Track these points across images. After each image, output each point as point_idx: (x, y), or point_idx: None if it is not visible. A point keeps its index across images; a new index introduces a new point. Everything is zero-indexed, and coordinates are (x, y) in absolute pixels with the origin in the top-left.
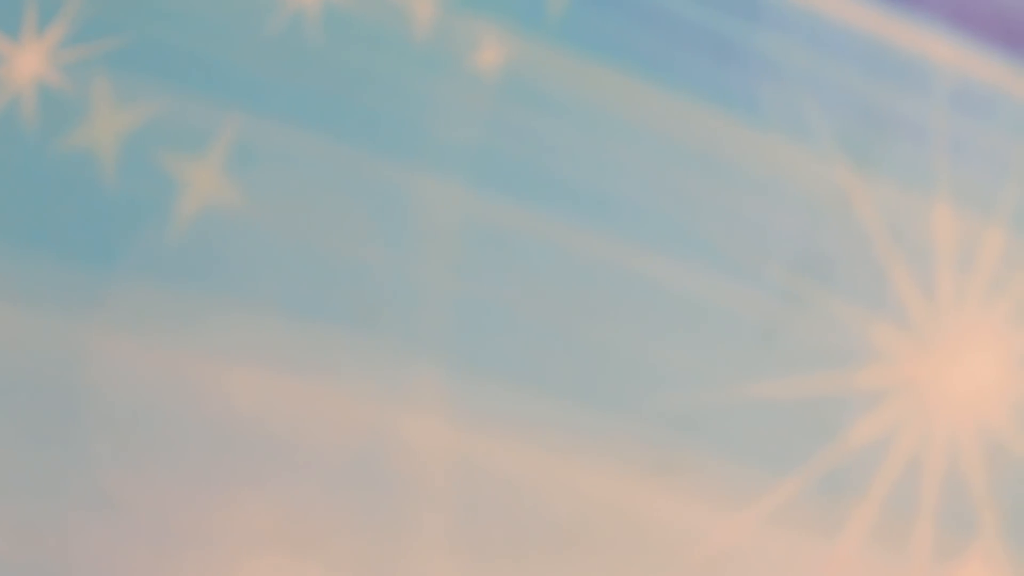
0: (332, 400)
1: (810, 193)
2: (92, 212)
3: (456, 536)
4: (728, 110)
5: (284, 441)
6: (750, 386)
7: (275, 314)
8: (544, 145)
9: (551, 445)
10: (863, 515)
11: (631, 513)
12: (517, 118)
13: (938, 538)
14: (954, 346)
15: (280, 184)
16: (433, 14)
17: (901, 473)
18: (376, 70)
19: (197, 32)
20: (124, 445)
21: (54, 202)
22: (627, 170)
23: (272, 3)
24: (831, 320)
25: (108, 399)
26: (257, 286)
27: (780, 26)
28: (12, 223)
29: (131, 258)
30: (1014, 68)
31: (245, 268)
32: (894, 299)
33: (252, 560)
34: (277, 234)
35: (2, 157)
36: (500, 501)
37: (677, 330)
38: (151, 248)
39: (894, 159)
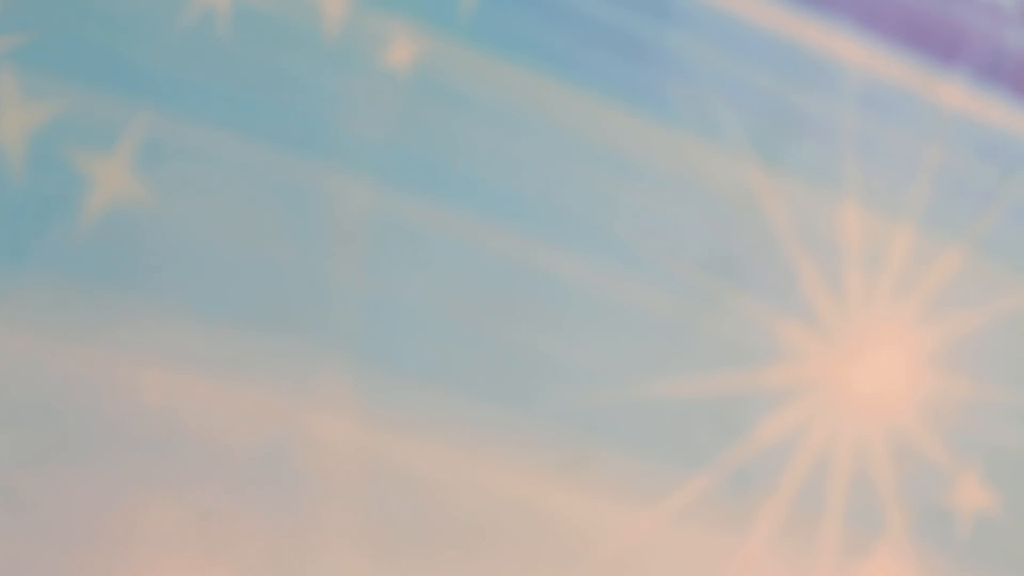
0: (241, 399)
1: (719, 192)
2: None
3: (365, 534)
4: (638, 109)
5: (193, 440)
6: (659, 384)
7: (184, 312)
8: (455, 142)
9: (459, 443)
10: (771, 512)
11: (540, 510)
12: (427, 115)
13: (845, 535)
14: (862, 344)
15: (189, 181)
16: (344, 11)
17: (809, 470)
18: (287, 67)
19: (106, 28)
20: (31, 444)
21: None
22: (537, 168)
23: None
24: (740, 318)
25: (14, 397)
26: (166, 284)
27: (690, 25)
28: None
29: (38, 255)
30: (921, 68)
31: (154, 266)
32: (802, 297)
33: (161, 560)
34: (186, 232)
35: None
36: (409, 499)
37: (586, 328)
38: (59, 245)
39: (803, 158)
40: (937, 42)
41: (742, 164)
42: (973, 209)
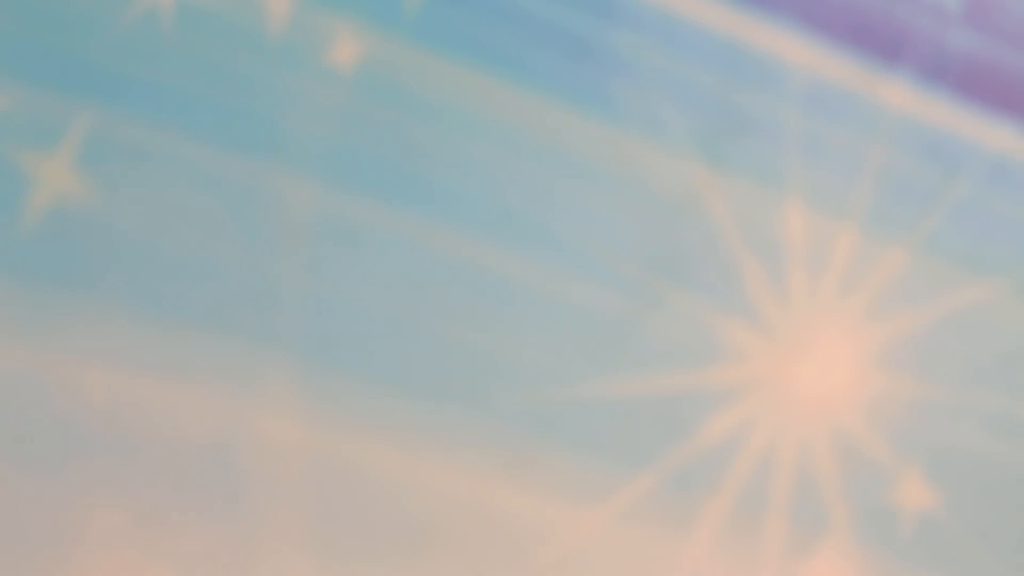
0: (186, 399)
1: (664, 191)
2: None
3: (311, 535)
4: (583, 108)
5: (137, 441)
6: (603, 383)
7: (129, 312)
8: (399, 142)
9: (405, 443)
10: (715, 511)
11: (485, 510)
12: (372, 114)
13: (789, 534)
14: (806, 344)
15: (133, 180)
16: (288, 9)
17: (753, 470)
18: (231, 65)
19: (49, 25)
20: None
21: None
22: (482, 167)
23: None
24: (684, 318)
25: None
26: (110, 283)
27: (635, 26)
28: None
29: None
30: (865, 69)
31: (98, 265)
32: (746, 297)
33: (105, 560)
34: (130, 231)
35: None
36: (354, 500)
37: (531, 328)
38: (1, 244)
39: (747, 158)
40: (881, 43)
41: (686, 164)
42: (917, 209)
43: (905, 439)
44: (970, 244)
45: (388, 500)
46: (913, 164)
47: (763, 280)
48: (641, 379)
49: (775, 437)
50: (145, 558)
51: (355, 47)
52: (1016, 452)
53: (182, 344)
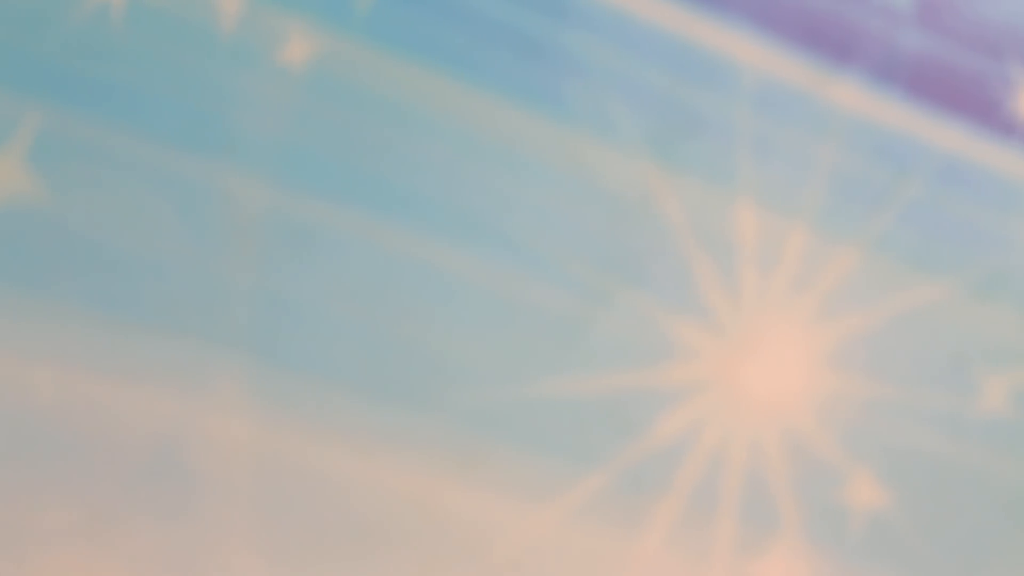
0: (134, 398)
1: (615, 190)
2: None
3: (260, 535)
4: (534, 107)
5: (85, 439)
6: (554, 382)
7: (79, 311)
8: (351, 141)
9: (356, 443)
10: (666, 511)
11: (435, 509)
12: (324, 113)
13: (740, 534)
14: (757, 344)
15: (83, 178)
16: (239, 8)
17: (704, 469)
18: (183, 64)
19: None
20: None
21: None
22: (433, 166)
23: None
24: (635, 317)
25: None
26: (59, 281)
27: (586, 25)
28: None
29: None
30: (816, 69)
31: (47, 263)
32: (697, 297)
33: (52, 559)
34: (80, 229)
35: None
36: (305, 499)
37: (482, 327)
38: None
39: (698, 157)
40: (832, 43)
41: (638, 163)
42: (868, 209)
43: (856, 438)
44: (921, 244)
45: (339, 500)
46: (864, 164)
47: (715, 279)
48: (592, 378)
49: (726, 436)
50: (96, 557)
51: (307, 46)
52: (966, 452)
53: (133, 343)
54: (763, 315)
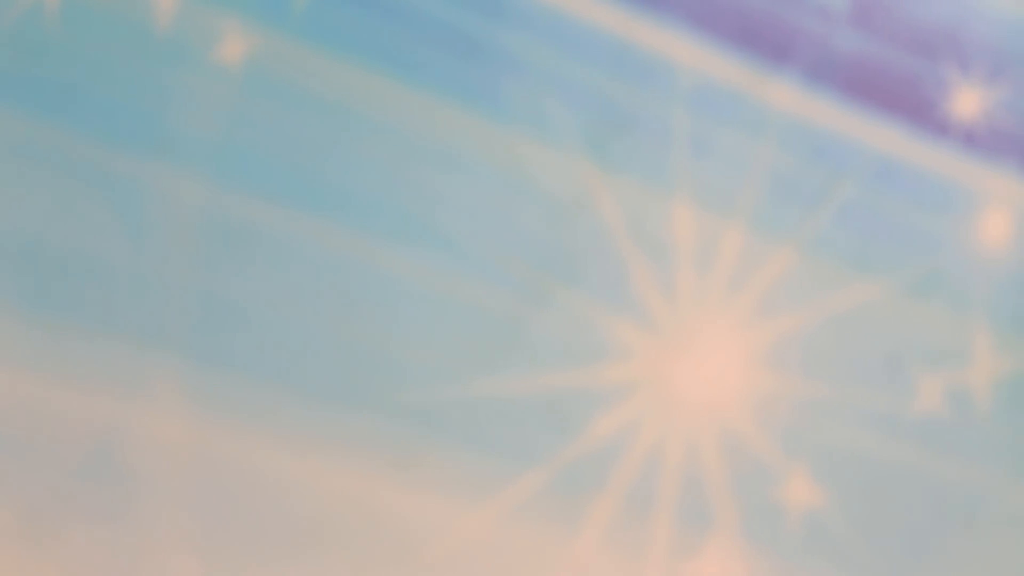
0: (69, 398)
1: (551, 190)
2: None
3: (196, 534)
4: (471, 106)
5: (18, 440)
6: (491, 381)
7: (11, 310)
8: (287, 139)
9: (291, 442)
10: (602, 510)
11: (372, 509)
12: (260, 111)
13: (676, 533)
14: (693, 343)
15: (16, 177)
16: (175, 5)
17: (639, 469)
18: (116, 61)
19: None
20: None
21: None
22: (369, 165)
23: None
24: (571, 317)
25: None
26: None
27: (523, 24)
28: None
29: None
30: (752, 69)
31: None
32: (635, 297)
33: None
34: (11, 228)
35: None
36: (240, 499)
37: (420, 326)
38: None
39: (634, 157)
40: (767, 43)
41: (574, 162)
42: (803, 209)
43: (791, 438)
44: (856, 244)
45: (274, 499)
46: (799, 164)
47: (650, 279)
48: (528, 378)
49: (662, 436)
50: (29, 559)
51: (242, 44)
52: (901, 451)
53: (68, 344)
54: (699, 315)
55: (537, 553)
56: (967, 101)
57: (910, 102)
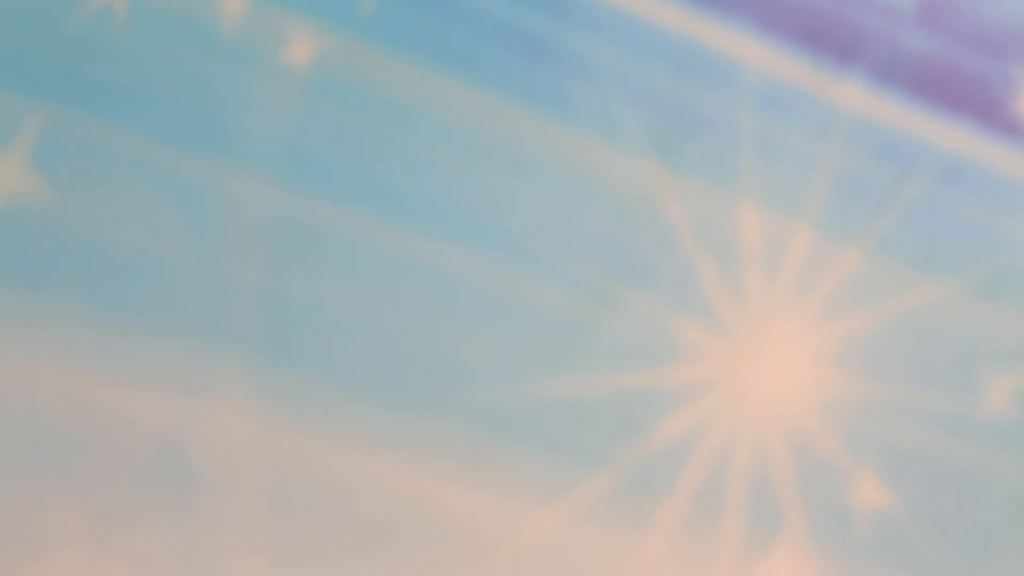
0: (139, 399)
1: (619, 191)
2: None
3: (265, 535)
4: (538, 107)
5: (90, 441)
6: (559, 383)
7: (81, 311)
8: (353, 141)
9: (360, 443)
10: (670, 511)
11: (440, 510)
12: (326, 113)
13: (744, 534)
14: (761, 344)
15: (86, 179)
16: (242, 7)
17: (708, 470)
18: (185, 64)
19: (2, 23)
20: None
21: None
22: (437, 167)
23: None
24: (640, 318)
25: None
26: (63, 283)
27: (590, 25)
28: None
29: None
30: (819, 68)
31: (50, 264)
32: (701, 297)
33: (58, 561)
34: (83, 230)
35: None
36: (309, 500)
37: (488, 327)
38: None
39: (702, 157)
40: (835, 42)
41: (642, 163)
42: (871, 209)
43: (860, 439)
44: (924, 244)
45: (344, 501)
46: (867, 164)
47: (718, 280)
48: (596, 379)
49: (730, 437)
50: (100, 560)
51: (310, 46)
52: (969, 451)
53: (137, 345)
54: (767, 315)
55: (605, 554)
56: None
57: (978, 101)
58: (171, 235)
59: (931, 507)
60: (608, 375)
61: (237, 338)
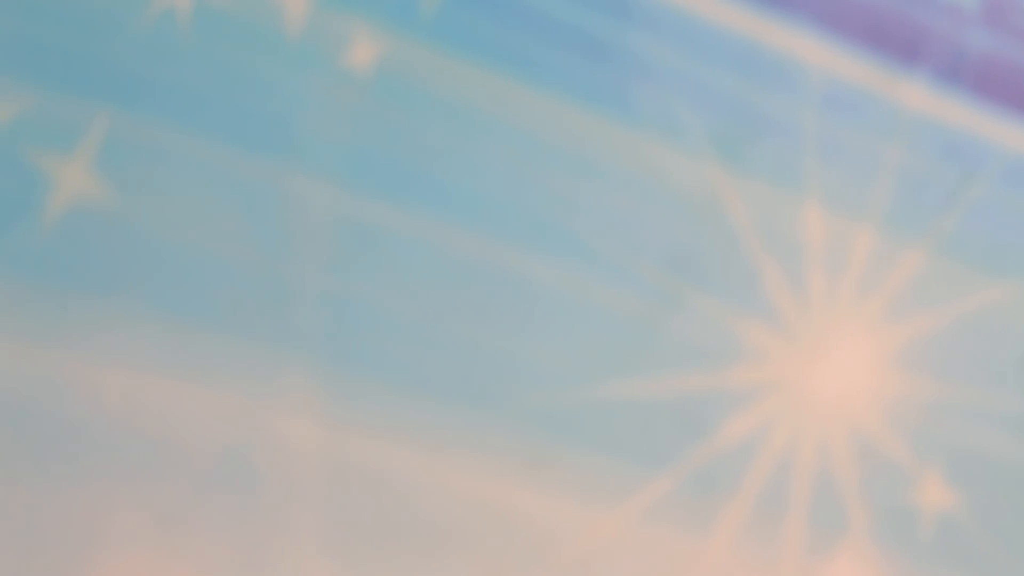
0: (205, 401)
1: (682, 192)
2: None
3: (330, 537)
4: (600, 109)
5: (157, 443)
6: (623, 384)
7: (147, 314)
8: (416, 143)
9: (424, 444)
10: (735, 512)
11: (504, 511)
12: (389, 115)
13: (809, 535)
14: (825, 345)
15: (151, 182)
16: (305, 11)
17: (772, 471)
18: (248, 67)
19: (67, 28)
20: None
21: None
22: (500, 169)
23: None
24: (703, 319)
25: None
26: (129, 285)
27: (652, 26)
28: None
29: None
30: (883, 69)
31: (116, 267)
32: (765, 298)
33: (124, 563)
34: (148, 233)
35: None
36: (374, 501)
37: (549, 329)
38: (20, 247)
39: (765, 159)
40: (898, 43)
41: (704, 165)
42: (935, 210)
43: (924, 440)
44: (988, 244)
45: (406, 502)
46: (930, 164)
47: (782, 281)
48: (660, 380)
49: (794, 438)
50: (165, 560)
51: (372, 48)
52: None
53: (200, 346)
54: (830, 316)
55: (669, 556)
56: None
57: None
58: (235, 238)
59: (995, 508)
60: (672, 376)
61: (301, 340)
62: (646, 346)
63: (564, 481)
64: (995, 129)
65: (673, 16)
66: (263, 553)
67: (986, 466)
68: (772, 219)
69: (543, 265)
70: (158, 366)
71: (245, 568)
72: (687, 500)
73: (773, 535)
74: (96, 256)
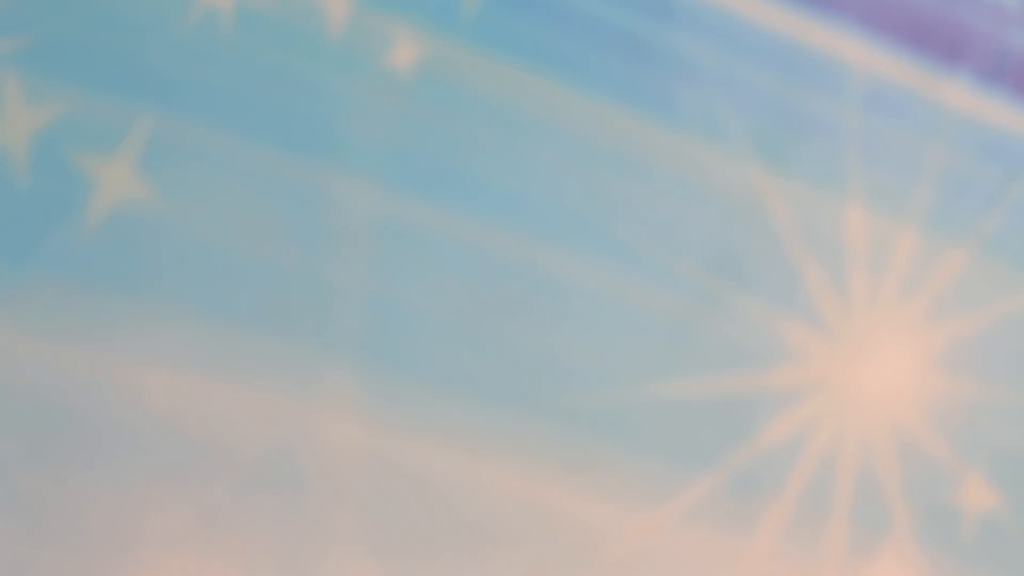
0: (246, 401)
1: (724, 193)
2: (3, 212)
3: (371, 537)
4: (642, 110)
5: (198, 443)
6: (665, 385)
7: (189, 314)
8: (458, 144)
9: (465, 445)
10: (777, 513)
11: (545, 512)
12: (430, 117)
13: (851, 536)
14: (867, 345)
15: (194, 183)
16: (347, 12)
17: (815, 471)
18: (290, 68)
19: (110, 29)
20: (36, 447)
21: None
22: (541, 170)
23: (186, 1)
24: (745, 319)
25: (20, 400)
26: (171, 286)
27: (694, 27)
28: None
29: (43, 257)
30: (925, 69)
31: (159, 268)
32: (807, 299)
33: (166, 562)
34: (191, 233)
35: None
36: (415, 501)
37: (591, 329)
38: (63, 247)
39: (807, 159)
40: (941, 43)
41: (746, 166)
42: (977, 210)
43: (967, 440)
44: None
45: (449, 501)
46: (974, 164)
47: (824, 282)
48: (703, 381)
49: (837, 438)
50: (207, 560)
51: (413, 50)
52: None
53: (243, 347)
54: (873, 317)
55: (712, 556)
56: None
57: None
58: (277, 238)
59: None
60: (715, 377)
61: (344, 341)
62: (688, 347)
63: (606, 482)
64: None
65: (715, 17)
66: (306, 553)
67: None
68: (814, 219)
69: (585, 266)
70: (200, 366)
71: (288, 568)
72: (730, 501)
73: (816, 536)
74: (139, 256)
